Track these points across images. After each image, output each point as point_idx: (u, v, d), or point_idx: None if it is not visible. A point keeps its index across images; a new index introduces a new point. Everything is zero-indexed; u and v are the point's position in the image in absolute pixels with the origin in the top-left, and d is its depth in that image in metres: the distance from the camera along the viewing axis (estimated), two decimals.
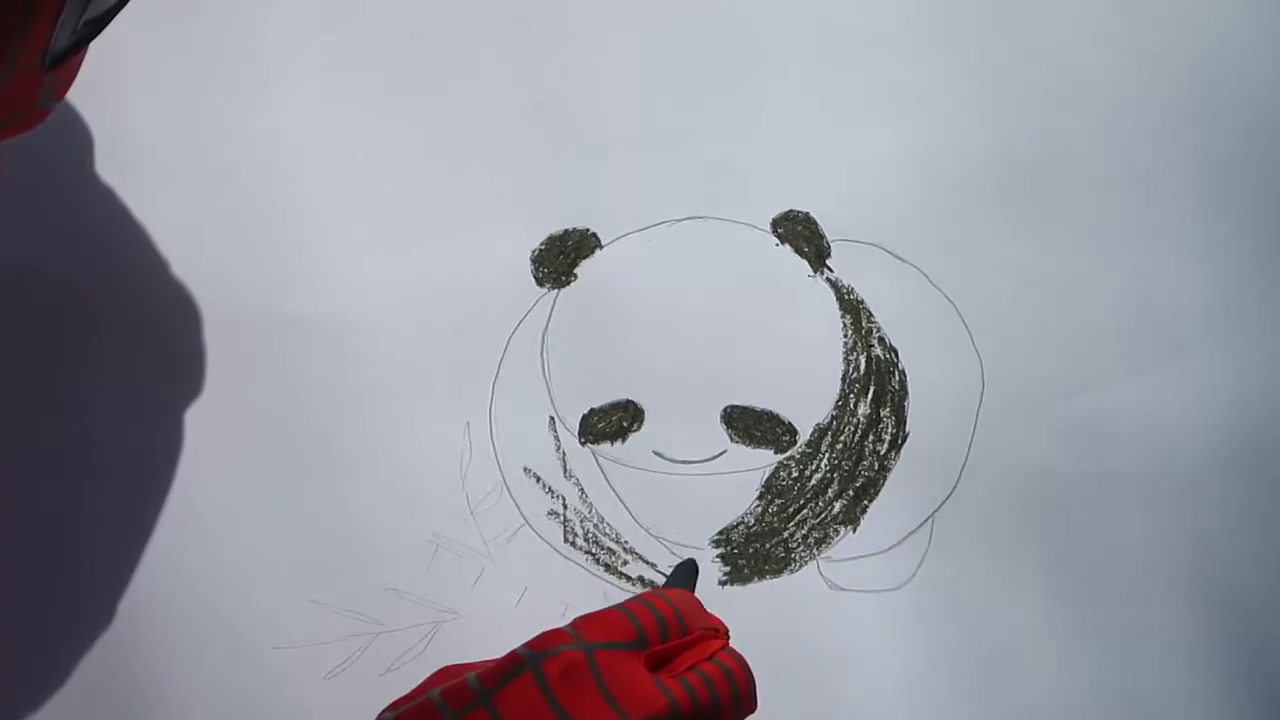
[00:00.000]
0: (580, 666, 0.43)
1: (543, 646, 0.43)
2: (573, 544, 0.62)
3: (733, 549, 0.62)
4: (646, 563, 0.62)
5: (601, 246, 0.64)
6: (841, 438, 0.63)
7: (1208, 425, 0.64)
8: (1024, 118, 0.65)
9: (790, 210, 0.64)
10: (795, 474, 0.63)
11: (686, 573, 0.58)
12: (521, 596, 0.61)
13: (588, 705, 0.42)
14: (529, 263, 0.64)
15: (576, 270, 0.64)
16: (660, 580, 0.62)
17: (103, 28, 0.47)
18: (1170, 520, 0.63)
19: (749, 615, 0.61)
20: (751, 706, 0.48)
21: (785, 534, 0.63)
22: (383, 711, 0.45)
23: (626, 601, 0.47)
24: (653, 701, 0.43)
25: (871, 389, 0.63)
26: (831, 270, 0.64)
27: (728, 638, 0.50)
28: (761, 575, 0.62)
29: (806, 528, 0.63)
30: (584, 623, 0.46)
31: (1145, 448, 0.64)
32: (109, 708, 0.60)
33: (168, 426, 0.62)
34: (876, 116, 0.65)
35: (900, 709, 0.62)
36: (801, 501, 0.63)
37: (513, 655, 0.43)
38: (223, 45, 0.63)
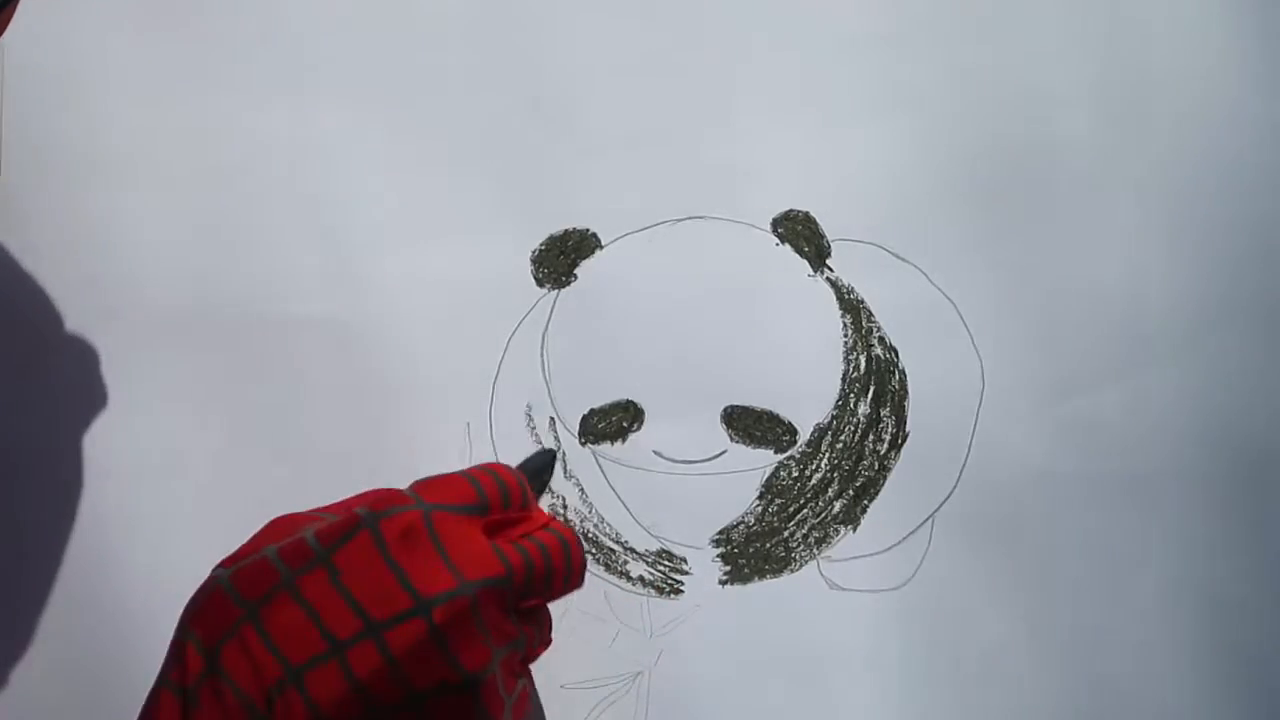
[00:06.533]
0: (417, 526, 0.42)
1: (380, 506, 0.43)
2: None
3: (733, 549, 0.62)
4: (646, 563, 0.62)
5: (601, 246, 0.64)
6: (841, 438, 0.63)
7: (1208, 426, 0.64)
8: (1024, 117, 0.65)
9: (790, 210, 0.64)
10: (795, 474, 0.63)
11: (543, 463, 0.53)
12: None
13: (424, 564, 0.42)
14: (529, 263, 0.64)
15: (576, 270, 0.64)
16: (659, 583, 0.62)
17: None
18: (1170, 521, 0.63)
19: (749, 615, 0.61)
20: (579, 580, 0.47)
21: (785, 534, 0.63)
22: (215, 567, 0.44)
23: (472, 468, 0.46)
24: (488, 563, 0.43)
25: (871, 389, 0.63)
26: (831, 270, 0.64)
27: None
28: (761, 575, 0.62)
29: (806, 527, 0.63)
30: (424, 486, 0.45)
31: (1145, 448, 0.64)
32: (108, 708, 0.60)
33: (166, 426, 0.62)
34: (877, 116, 0.65)
35: (900, 709, 0.62)
36: (801, 501, 0.63)
37: (351, 515, 0.43)
38: (222, 45, 0.63)
